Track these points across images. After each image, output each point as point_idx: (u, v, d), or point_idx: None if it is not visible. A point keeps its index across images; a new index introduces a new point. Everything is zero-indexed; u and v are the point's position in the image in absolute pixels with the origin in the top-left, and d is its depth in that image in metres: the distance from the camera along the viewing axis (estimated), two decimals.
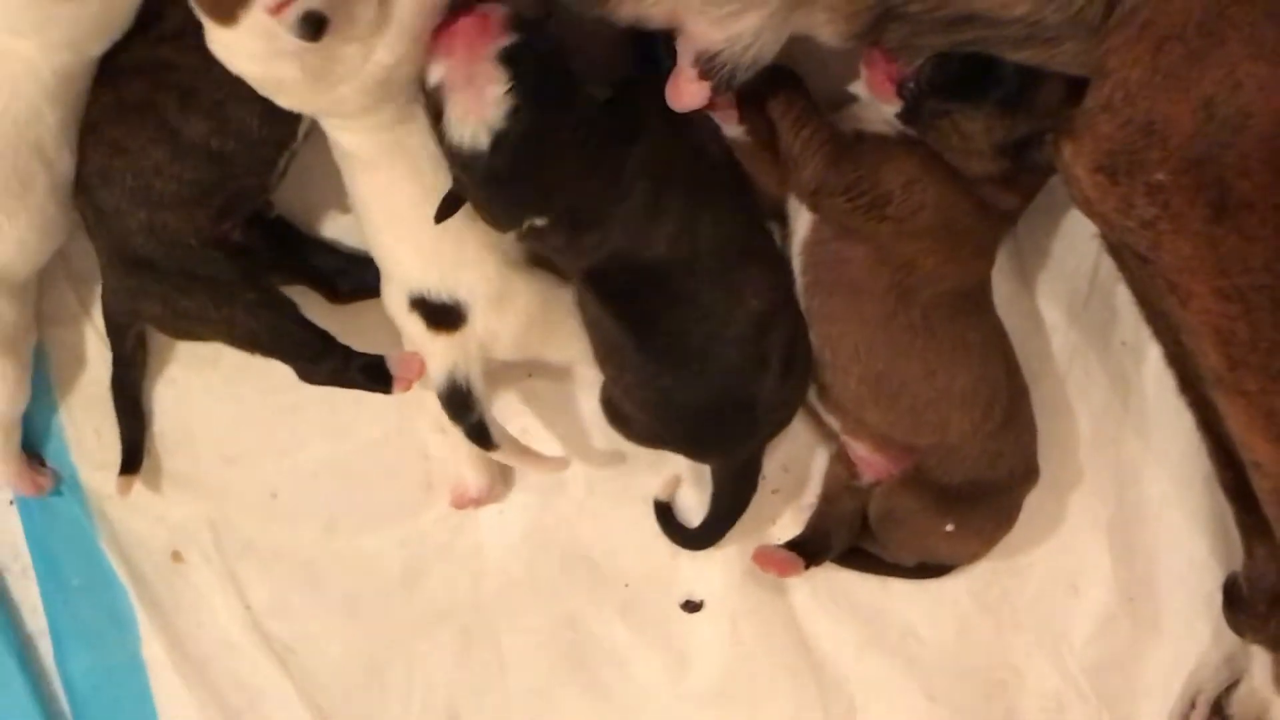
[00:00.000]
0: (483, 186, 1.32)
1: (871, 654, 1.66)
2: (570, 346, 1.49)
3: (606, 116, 1.36)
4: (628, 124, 1.38)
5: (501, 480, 1.59)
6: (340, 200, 1.52)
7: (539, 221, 1.34)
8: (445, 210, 1.36)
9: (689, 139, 1.42)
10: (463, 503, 1.59)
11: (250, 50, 1.29)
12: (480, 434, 1.48)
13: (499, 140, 1.27)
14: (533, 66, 1.28)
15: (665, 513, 1.61)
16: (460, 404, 1.46)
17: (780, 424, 1.53)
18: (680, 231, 1.40)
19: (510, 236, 1.41)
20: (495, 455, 1.51)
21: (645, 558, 1.64)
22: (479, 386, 1.46)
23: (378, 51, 1.31)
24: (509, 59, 1.28)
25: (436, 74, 1.30)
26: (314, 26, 1.24)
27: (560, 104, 1.31)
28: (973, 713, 1.67)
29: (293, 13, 1.23)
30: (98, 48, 1.37)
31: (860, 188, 1.43)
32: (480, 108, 1.27)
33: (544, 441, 1.60)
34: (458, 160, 1.30)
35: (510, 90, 1.27)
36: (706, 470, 1.55)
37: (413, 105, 1.36)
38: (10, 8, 1.32)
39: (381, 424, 1.61)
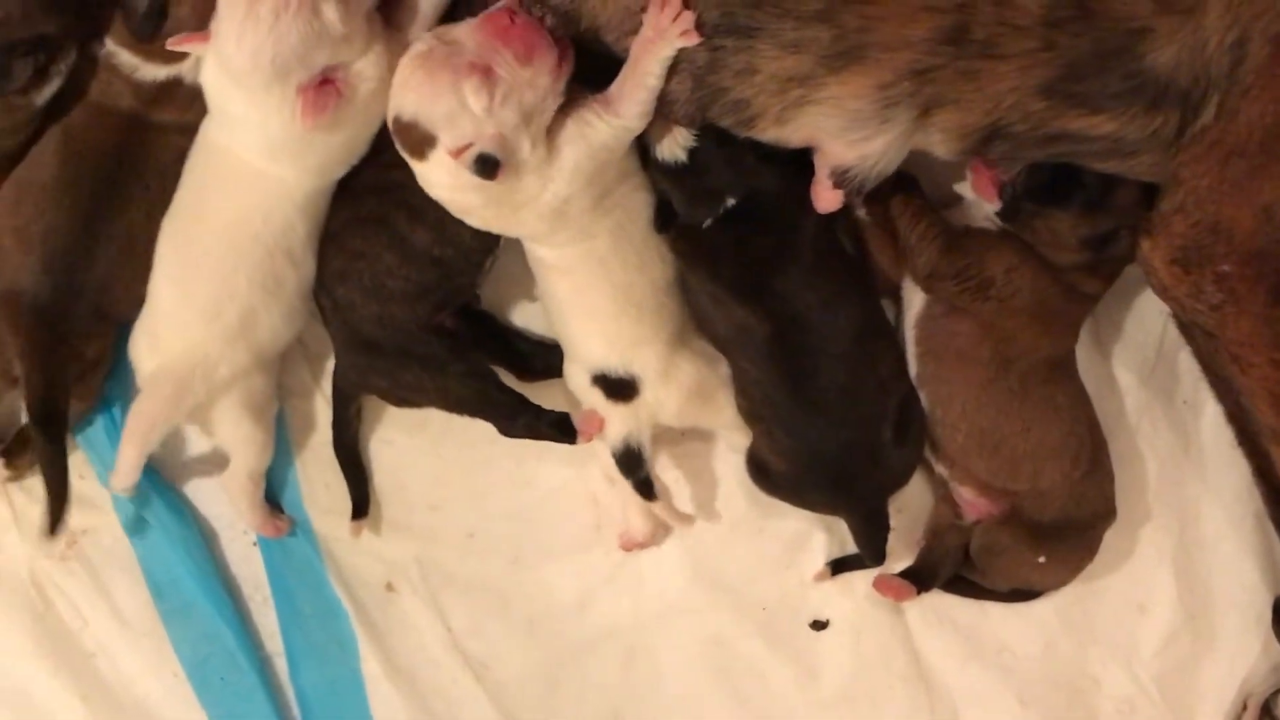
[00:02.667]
0: (687, 184, 1.39)
1: (972, 666, 1.66)
2: (722, 413, 1.53)
3: (769, 155, 1.42)
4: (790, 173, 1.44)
5: (662, 526, 1.62)
6: (528, 294, 1.60)
7: (730, 202, 1.41)
8: (661, 220, 1.44)
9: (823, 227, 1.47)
10: (630, 545, 1.62)
11: (439, 181, 1.36)
12: (646, 488, 1.53)
13: (693, 152, 1.37)
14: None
15: (842, 565, 1.62)
16: (632, 463, 1.51)
17: (900, 481, 1.56)
18: (834, 298, 1.45)
19: (674, 319, 1.49)
20: (654, 507, 1.56)
21: (779, 585, 1.66)
22: (648, 448, 1.51)
23: (553, 185, 1.37)
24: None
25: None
26: (489, 167, 1.30)
27: (723, 132, 1.39)
28: (1058, 716, 1.67)
29: (469, 155, 1.30)
30: (340, 172, 1.44)
31: (968, 273, 1.47)
32: (675, 137, 1.38)
33: (695, 490, 1.65)
34: (669, 172, 1.39)
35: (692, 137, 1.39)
36: None
37: (597, 224, 1.42)
38: (271, 139, 1.38)
39: (559, 476, 1.65)
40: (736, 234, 1.42)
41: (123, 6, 1.37)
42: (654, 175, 1.44)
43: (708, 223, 1.43)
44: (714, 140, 1.39)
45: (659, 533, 1.61)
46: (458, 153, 1.29)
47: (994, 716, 1.67)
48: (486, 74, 1.28)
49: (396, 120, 1.32)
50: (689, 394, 1.50)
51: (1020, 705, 1.66)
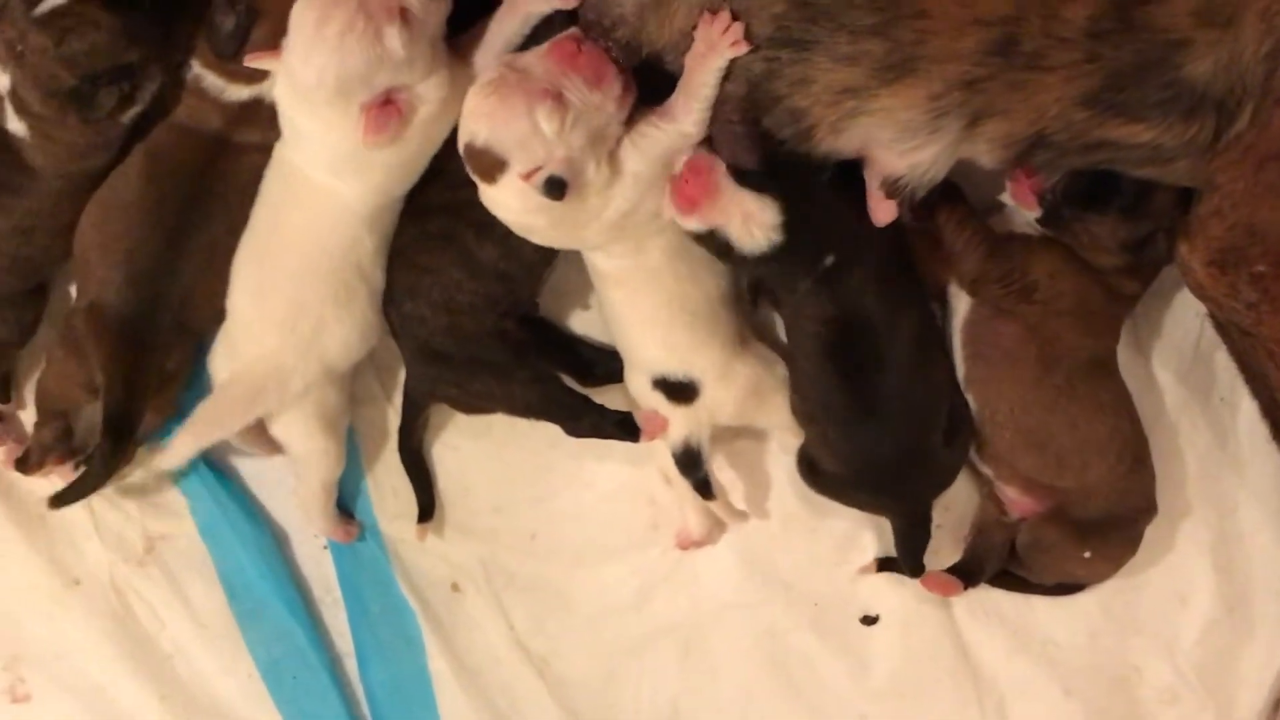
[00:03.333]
0: (787, 262, 1.40)
1: (1018, 658, 1.68)
2: (777, 413, 1.56)
3: (842, 187, 1.45)
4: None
5: (717, 525, 1.65)
6: (585, 303, 1.64)
7: (829, 260, 1.41)
8: (754, 299, 1.50)
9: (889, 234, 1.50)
10: (686, 544, 1.64)
11: (508, 203, 1.40)
12: (705, 487, 1.56)
13: (783, 228, 1.37)
14: (764, 179, 1.38)
15: (888, 563, 1.65)
16: (692, 462, 1.55)
17: (945, 485, 1.59)
18: (899, 303, 1.48)
19: (730, 324, 1.53)
20: (711, 505, 1.60)
21: (830, 581, 1.69)
22: (707, 448, 1.55)
23: (615, 200, 1.41)
24: (743, 180, 1.38)
25: (698, 224, 1.39)
26: (558, 188, 1.34)
27: (801, 187, 1.40)
28: (1102, 705, 1.69)
29: (539, 178, 1.34)
30: (401, 190, 1.48)
31: (1012, 277, 1.51)
32: (755, 229, 1.38)
33: (748, 489, 1.68)
34: (763, 260, 1.39)
35: (774, 213, 1.37)
36: None
37: (650, 240, 1.46)
38: (334, 154, 1.43)
39: (617, 478, 1.68)
40: (835, 284, 1.43)
41: (208, 28, 1.42)
42: (743, 268, 1.44)
43: (806, 285, 1.44)
44: (799, 204, 1.38)
45: (715, 531, 1.63)
46: (528, 176, 1.33)
47: (1039, 706, 1.69)
48: (558, 99, 1.32)
49: (469, 146, 1.36)
50: (746, 395, 1.53)
51: (1065, 695, 1.68)
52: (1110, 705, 1.69)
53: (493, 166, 1.35)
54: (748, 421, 1.58)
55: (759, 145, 1.40)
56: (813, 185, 1.42)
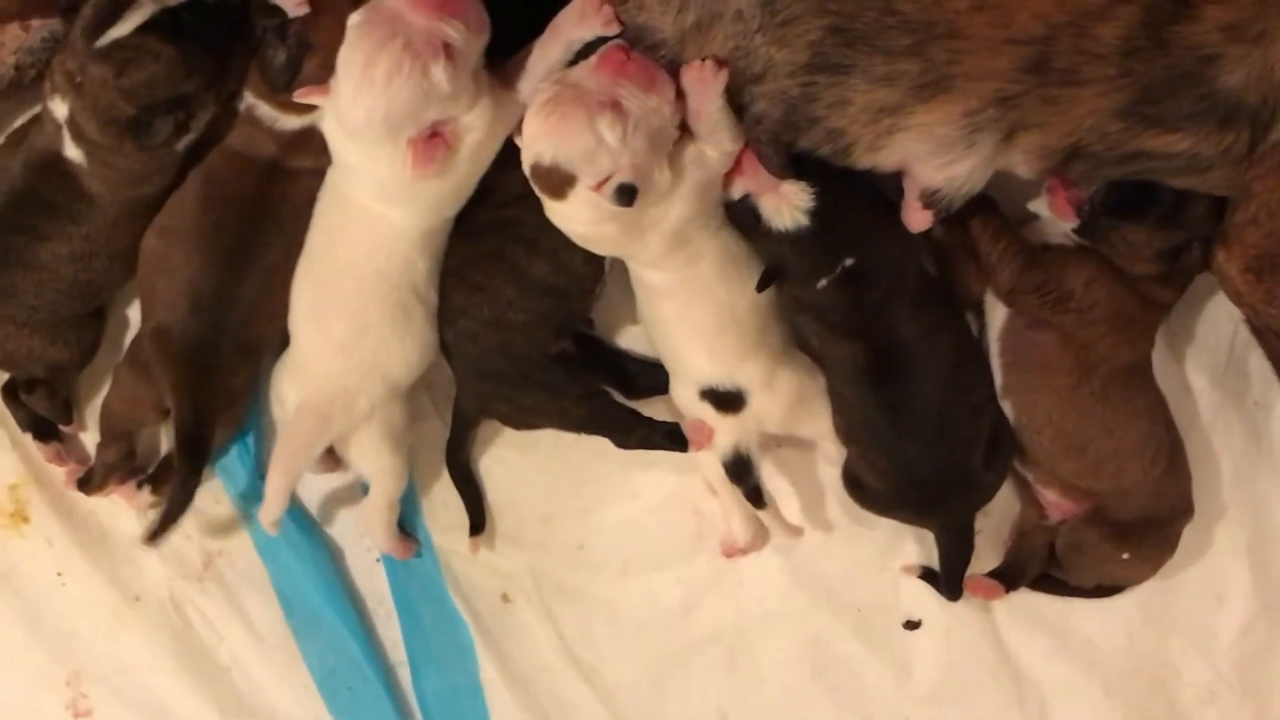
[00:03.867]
0: (808, 249, 1.43)
1: (1058, 659, 1.70)
2: (820, 422, 1.59)
3: (877, 196, 1.48)
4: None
5: (762, 533, 1.65)
6: (631, 318, 1.66)
7: (848, 262, 1.44)
8: (766, 282, 1.48)
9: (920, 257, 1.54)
10: (732, 552, 1.65)
11: (579, 217, 1.43)
12: (757, 495, 1.58)
13: (814, 213, 1.41)
14: (806, 168, 1.42)
15: (930, 575, 1.67)
16: (742, 471, 1.57)
17: (986, 500, 1.61)
18: (934, 325, 1.51)
19: (775, 334, 1.55)
20: (761, 513, 1.62)
21: (873, 588, 1.71)
22: (756, 456, 1.57)
23: (675, 207, 1.45)
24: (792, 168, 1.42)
25: (739, 189, 1.44)
26: (628, 194, 1.38)
27: (837, 185, 1.44)
28: (1142, 705, 1.71)
29: (610, 187, 1.38)
30: (451, 212, 1.51)
31: (1048, 287, 1.53)
32: (785, 208, 1.42)
33: (793, 498, 1.71)
34: (786, 239, 1.43)
35: (807, 199, 1.41)
36: None
37: (707, 243, 1.49)
38: (384, 185, 1.46)
39: (663, 489, 1.70)
40: (852, 290, 1.46)
41: (260, 61, 1.46)
42: (764, 244, 1.47)
43: (823, 283, 1.47)
44: (833, 200, 1.42)
45: (759, 539, 1.64)
46: (598, 186, 1.36)
47: (1080, 707, 1.71)
48: (616, 108, 1.34)
49: (536, 167, 1.38)
50: (791, 403, 1.56)
51: (1105, 695, 1.71)
52: (1150, 705, 1.71)
53: (562, 183, 1.38)
54: (792, 430, 1.60)
55: (787, 157, 1.45)
56: (850, 192, 1.45)
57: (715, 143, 1.42)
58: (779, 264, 1.46)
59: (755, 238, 1.47)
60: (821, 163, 1.44)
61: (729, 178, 1.44)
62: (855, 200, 1.46)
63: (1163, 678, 1.71)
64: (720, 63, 1.36)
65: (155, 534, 1.54)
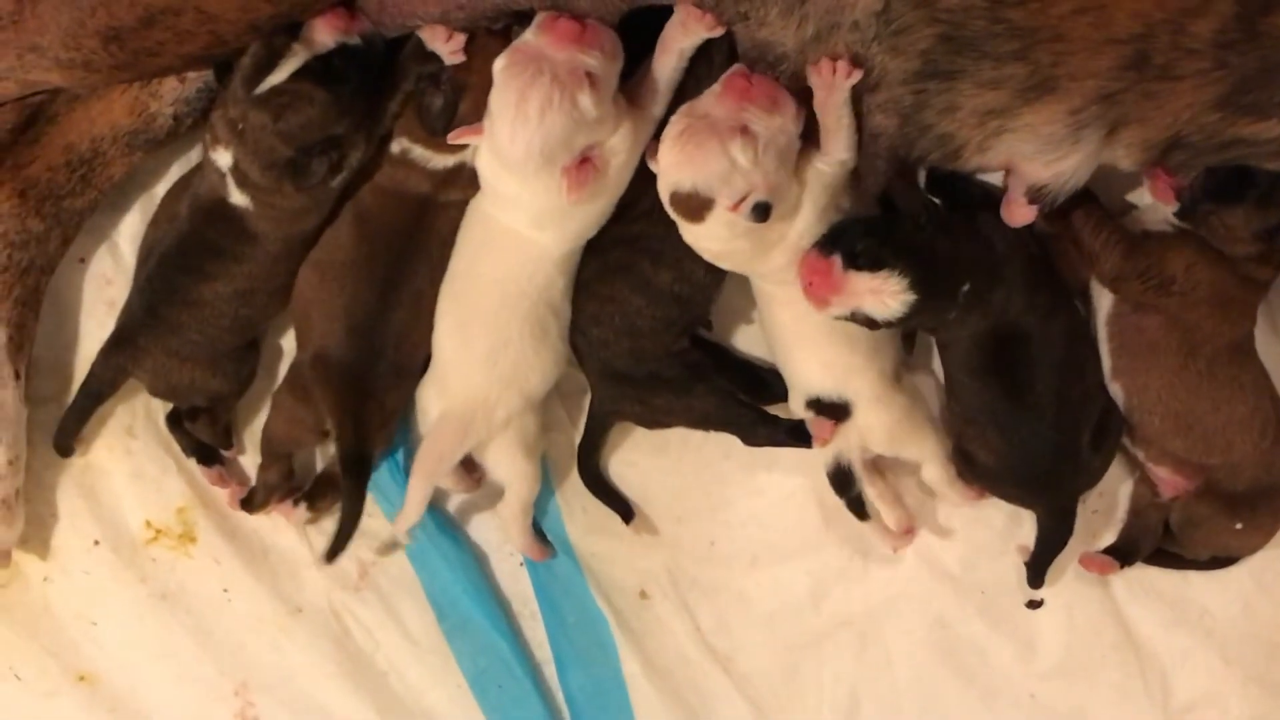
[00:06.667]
0: (924, 309, 1.48)
1: (1177, 630, 1.76)
2: (926, 443, 1.66)
3: (948, 225, 1.54)
4: (973, 225, 1.57)
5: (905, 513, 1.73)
6: (749, 323, 1.75)
7: (965, 288, 1.49)
8: (910, 344, 1.58)
9: (1027, 245, 1.60)
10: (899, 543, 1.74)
11: (714, 235, 1.51)
12: (858, 507, 1.66)
13: (912, 286, 1.47)
14: (877, 254, 1.45)
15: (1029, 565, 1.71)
16: (844, 482, 1.65)
17: (1092, 484, 1.68)
18: (1049, 308, 1.57)
19: (888, 353, 1.62)
20: (865, 526, 1.70)
21: (994, 570, 1.77)
22: (858, 468, 1.64)
23: (798, 225, 1.53)
24: (858, 263, 1.45)
25: (836, 311, 1.48)
26: (763, 211, 1.46)
27: (911, 245, 1.48)
28: (1260, 670, 1.76)
29: (747, 205, 1.46)
30: (594, 232, 1.61)
31: (1150, 273, 1.59)
32: (887, 299, 1.46)
33: (911, 486, 1.77)
34: (903, 319, 1.48)
35: (897, 279, 1.45)
36: None
37: None
38: (539, 212, 1.56)
39: (788, 485, 1.77)
40: (975, 304, 1.51)
41: (419, 108, 1.56)
42: (891, 329, 1.52)
43: (951, 315, 1.52)
44: (924, 256, 1.46)
45: (905, 523, 1.72)
46: (735, 206, 1.44)
47: (1200, 676, 1.76)
48: (745, 132, 1.43)
49: (675, 194, 1.46)
50: (898, 422, 1.62)
51: (1224, 664, 1.76)
52: (1268, 670, 1.76)
53: (700, 207, 1.46)
54: (897, 451, 1.66)
55: (919, 194, 1.54)
56: (928, 230, 1.50)
57: (834, 149, 1.50)
58: (910, 330, 1.53)
59: (882, 328, 1.50)
60: (890, 223, 1.51)
61: (820, 306, 1.48)
62: (940, 238, 1.50)
63: (1279, 644, 1.75)
64: (854, 62, 1.43)
65: (332, 552, 1.64)
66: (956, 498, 1.69)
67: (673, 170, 1.46)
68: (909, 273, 1.45)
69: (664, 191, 1.49)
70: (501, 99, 1.45)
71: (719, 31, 1.48)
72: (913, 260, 1.45)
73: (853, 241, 1.45)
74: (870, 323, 1.48)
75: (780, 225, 1.50)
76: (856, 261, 1.44)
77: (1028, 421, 1.59)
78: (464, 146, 1.55)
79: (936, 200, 1.61)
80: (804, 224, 1.52)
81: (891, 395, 1.62)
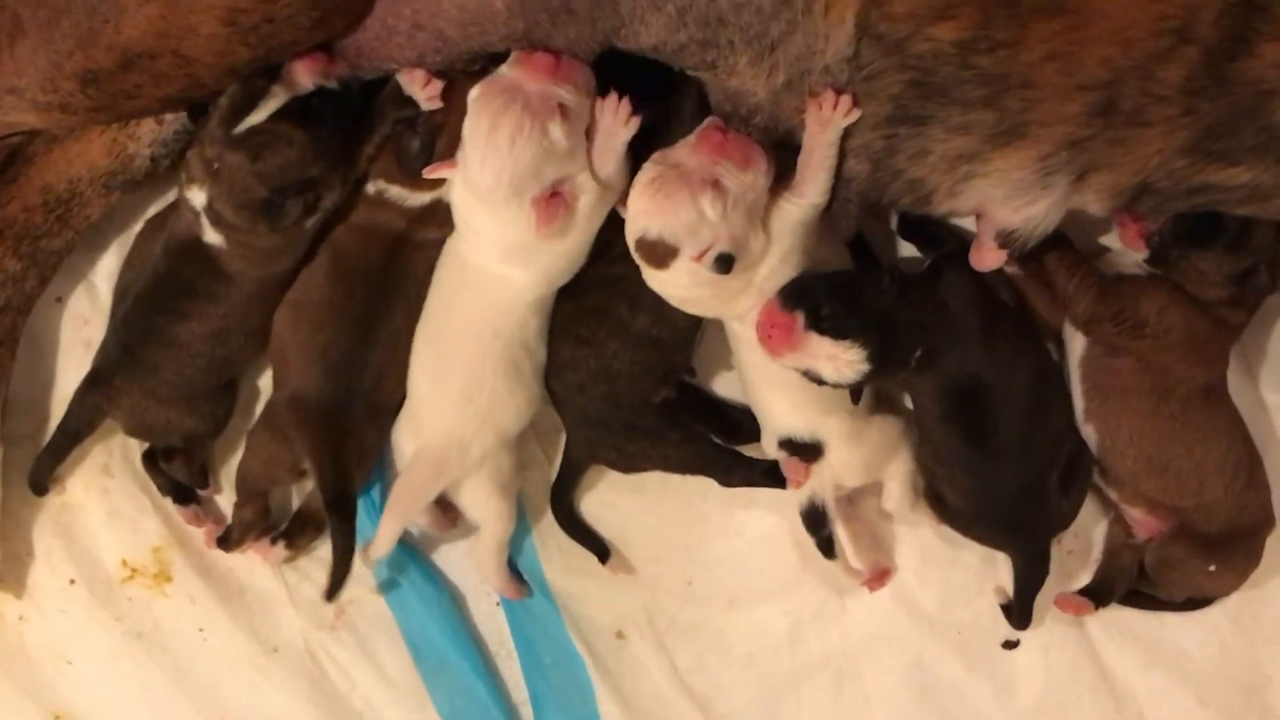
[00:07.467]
0: (879, 372, 1.49)
1: (1153, 672, 1.76)
2: (899, 473, 1.67)
3: (908, 288, 1.54)
4: (932, 285, 1.58)
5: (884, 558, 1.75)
6: (727, 366, 1.76)
7: (918, 352, 1.51)
8: (856, 397, 1.57)
9: (990, 291, 1.61)
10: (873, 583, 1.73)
11: (678, 283, 1.52)
12: (827, 546, 1.67)
13: (869, 358, 1.48)
14: (840, 321, 1.46)
15: (1006, 611, 1.73)
16: (816, 521, 1.66)
17: (1064, 526, 1.69)
18: (1010, 359, 1.58)
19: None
20: (833, 565, 1.70)
21: (971, 610, 1.77)
22: (831, 507, 1.65)
23: (763, 269, 1.53)
24: (820, 326, 1.46)
25: (789, 364, 1.50)
26: (726, 264, 1.47)
27: (874, 313, 1.49)
28: (1236, 712, 1.76)
29: (709, 257, 1.47)
30: (567, 277, 1.61)
31: (1124, 315, 1.60)
32: (842, 366, 1.48)
33: (888, 526, 1.79)
34: (858, 381, 1.49)
35: (857, 350, 1.46)
36: None
37: None
38: (508, 246, 1.56)
39: (765, 525, 1.78)
40: (929, 364, 1.52)
41: (396, 151, 1.58)
42: (843, 389, 1.52)
43: (903, 375, 1.54)
44: (876, 322, 1.46)
45: (881, 565, 1.74)
46: (699, 256, 1.45)
47: (1176, 717, 1.76)
48: (716, 186, 1.44)
49: (641, 240, 1.47)
50: (873, 454, 1.64)
51: (1200, 705, 1.76)
52: (1244, 712, 1.76)
53: (665, 254, 1.47)
54: (873, 479, 1.68)
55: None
56: (890, 294, 1.51)
57: (808, 189, 1.50)
58: (859, 389, 1.54)
59: (835, 387, 1.50)
60: (853, 282, 1.53)
61: (774, 356, 1.49)
62: (900, 304, 1.50)
63: (1255, 685, 1.76)
64: (855, 99, 1.43)
65: (331, 590, 1.65)
66: (921, 518, 1.70)
67: (641, 217, 1.47)
68: (869, 345, 1.45)
69: (630, 236, 1.50)
70: (474, 127, 1.47)
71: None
72: (874, 332, 1.46)
73: (818, 302, 1.45)
74: (818, 380, 1.49)
75: (744, 274, 1.51)
76: (820, 325, 1.45)
77: (992, 467, 1.59)
78: (439, 183, 1.56)
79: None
80: (768, 268, 1.52)
81: (863, 430, 1.63)
